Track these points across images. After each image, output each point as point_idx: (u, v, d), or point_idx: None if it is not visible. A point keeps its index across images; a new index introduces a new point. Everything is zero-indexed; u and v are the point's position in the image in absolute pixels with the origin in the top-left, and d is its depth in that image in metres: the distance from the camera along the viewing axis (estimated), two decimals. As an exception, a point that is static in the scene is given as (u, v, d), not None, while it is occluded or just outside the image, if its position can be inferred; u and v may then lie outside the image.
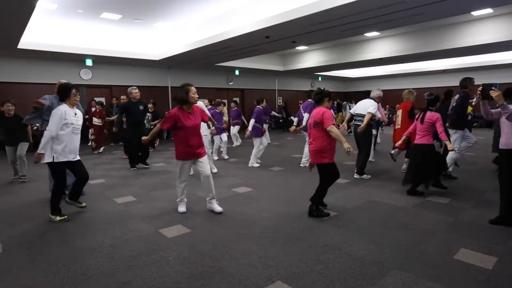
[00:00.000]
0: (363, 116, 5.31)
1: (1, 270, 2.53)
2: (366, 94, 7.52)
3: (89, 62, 10.95)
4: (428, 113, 4.22)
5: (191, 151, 3.61)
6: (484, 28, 8.84)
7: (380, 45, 11.28)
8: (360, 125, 5.28)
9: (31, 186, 5.33)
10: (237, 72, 14.76)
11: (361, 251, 2.72)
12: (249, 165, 6.60)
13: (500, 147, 3.22)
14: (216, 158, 7.32)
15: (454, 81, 15.82)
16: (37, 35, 8.55)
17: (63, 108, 3.49)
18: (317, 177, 3.62)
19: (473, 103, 4.71)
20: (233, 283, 2.27)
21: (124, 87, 12.32)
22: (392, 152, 5.38)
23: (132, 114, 6.37)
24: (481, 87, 3.08)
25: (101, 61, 10.99)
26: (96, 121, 8.97)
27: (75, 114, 3.61)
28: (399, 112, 5.73)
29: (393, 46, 10.97)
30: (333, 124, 3.39)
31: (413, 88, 6.35)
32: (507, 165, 3.14)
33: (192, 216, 3.68)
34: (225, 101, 11.39)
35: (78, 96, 3.66)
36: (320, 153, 3.48)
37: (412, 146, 4.49)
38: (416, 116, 4.47)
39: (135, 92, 6.46)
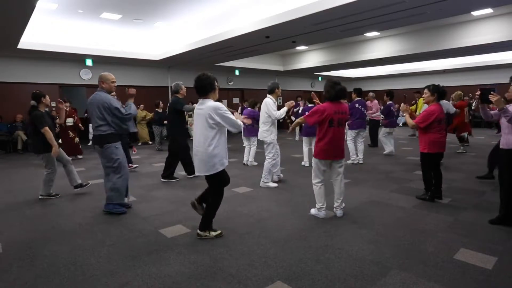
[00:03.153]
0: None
1: (1, 270, 2.52)
2: (386, 94, 7.74)
3: (89, 62, 10.96)
4: None
5: None
6: (484, 28, 8.84)
7: (380, 45, 11.29)
8: None
9: (34, 187, 5.32)
10: (237, 72, 14.76)
11: (361, 251, 2.72)
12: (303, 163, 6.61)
13: (501, 147, 3.22)
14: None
15: (454, 81, 15.96)
16: (37, 35, 8.56)
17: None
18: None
19: (473, 107, 4.71)
20: (233, 283, 2.27)
21: (124, 87, 12.33)
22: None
23: (183, 114, 5.53)
24: (479, 91, 3.08)
25: (101, 61, 10.99)
26: (68, 121, 7.74)
27: None
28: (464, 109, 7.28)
29: (393, 46, 10.97)
30: None
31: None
32: (507, 165, 3.14)
33: (192, 216, 3.68)
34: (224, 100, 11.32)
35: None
36: None
37: None
38: None
39: (185, 88, 5.65)
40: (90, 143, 10.71)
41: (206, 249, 2.82)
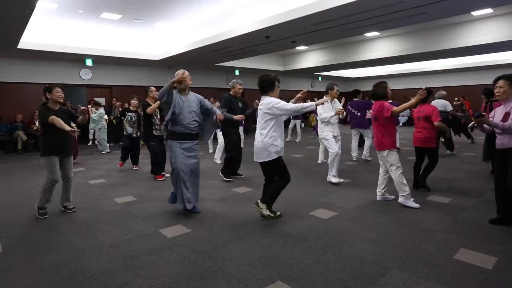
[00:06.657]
0: (443, 112, 6.38)
1: (1, 270, 2.52)
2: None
3: (89, 62, 10.96)
4: None
5: None
6: (484, 28, 8.85)
7: (380, 45, 11.29)
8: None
9: (34, 187, 5.31)
10: (237, 72, 14.76)
11: (361, 251, 2.72)
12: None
13: (497, 147, 3.20)
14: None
15: (454, 81, 15.93)
16: (37, 35, 8.56)
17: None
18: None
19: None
20: (233, 283, 2.27)
21: (124, 87, 12.37)
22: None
23: (234, 112, 5.34)
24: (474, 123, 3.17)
25: (101, 61, 10.99)
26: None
27: None
28: None
29: (393, 46, 10.97)
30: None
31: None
32: (505, 164, 3.13)
33: (192, 216, 3.68)
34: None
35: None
36: (430, 140, 4.44)
37: None
38: None
39: (239, 86, 5.65)
40: (90, 142, 10.72)
41: (206, 249, 2.82)
